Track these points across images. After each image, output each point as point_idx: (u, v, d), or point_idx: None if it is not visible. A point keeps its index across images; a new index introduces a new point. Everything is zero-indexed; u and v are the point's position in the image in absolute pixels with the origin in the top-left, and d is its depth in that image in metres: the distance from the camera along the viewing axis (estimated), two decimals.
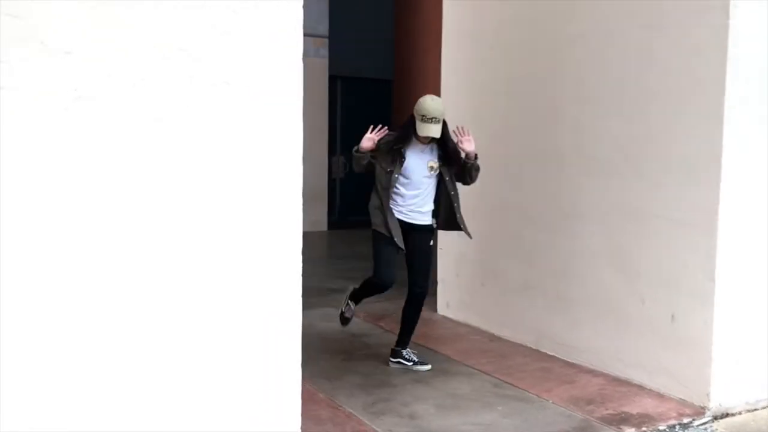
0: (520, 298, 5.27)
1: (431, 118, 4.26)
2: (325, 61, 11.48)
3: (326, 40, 11.43)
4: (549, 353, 4.99)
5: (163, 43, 2.50)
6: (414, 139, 4.39)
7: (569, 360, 4.83)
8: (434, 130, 4.27)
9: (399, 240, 4.36)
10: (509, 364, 4.79)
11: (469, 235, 4.60)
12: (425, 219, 4.53)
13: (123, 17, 2.44)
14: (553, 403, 4.10)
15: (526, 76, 5.18)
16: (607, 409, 4.00)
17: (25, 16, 2.31)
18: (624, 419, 3.87)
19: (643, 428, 3.77)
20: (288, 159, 2.78)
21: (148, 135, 2.51)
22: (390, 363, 4.66)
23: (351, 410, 3.91)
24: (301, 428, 2.92)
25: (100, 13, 2.41)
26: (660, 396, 4.21)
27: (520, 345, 5.21)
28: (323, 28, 11.38)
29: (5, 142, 2.29)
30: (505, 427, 3.76)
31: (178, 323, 2.62)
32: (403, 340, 4.71)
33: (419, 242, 4.51)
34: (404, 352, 4.67)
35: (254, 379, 2.78)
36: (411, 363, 4.63)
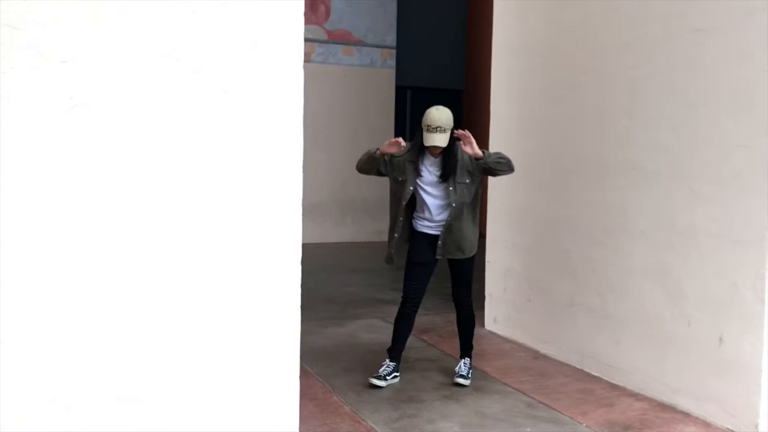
0: (565, 315, 5.07)
1: (436, 128, 4.14)
2: (392, 72, 11.48)
3: (393, 51, 11.43)
4: (593, 374, 4.77)
5: (158, 51, 2.51)
6: (426, 152, 4.29)
7: (613, 381, 4.60)
8: (438, 140, 4.14)
9: (390, 254, 4.48)
10: (548, 383, 4.60)
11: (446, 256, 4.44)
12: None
13: (119, 26, 2.46)
14: (586, 426, 3.90)
15: (573, 85, 4.99)
16: None
17: (23, 27, 2.36)
18: None
19: None
20: (288, 167, 2.73)
21: (144, 142, 2.52)
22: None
23: (372, 424, 3.83)
24: None
25: (96, 23, 2.43)
26: (706, 424, 3.94)
27: (564, 364, 5.00)
28: (391, 39, 11.39)
29: (4, 150, 2.35)
30: None
31: (179, 327, 2.60)
32: (462, 350, 4.68)
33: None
34: (459, 364, 4.61)
35: (252, 379, 2.74)
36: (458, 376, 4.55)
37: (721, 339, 3.91)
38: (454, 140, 4.24)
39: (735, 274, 3.82)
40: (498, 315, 5.81)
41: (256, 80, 2.66)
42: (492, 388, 4.48)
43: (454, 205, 4.27)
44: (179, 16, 2.53)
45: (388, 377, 4.47)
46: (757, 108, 3.69)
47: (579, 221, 4.93)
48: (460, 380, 4.49)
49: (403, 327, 4.58)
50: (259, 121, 2.67)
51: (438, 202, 4.36)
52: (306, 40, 10.92)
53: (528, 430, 3.84)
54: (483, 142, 4.61)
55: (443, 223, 4.35)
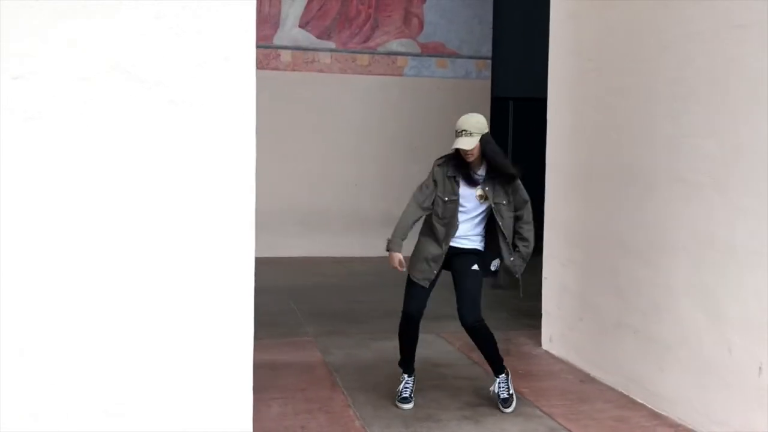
0: (612, 336, 4.74)
1: (461, 131, 4.02)
2: (488, 83, 11.28)
3: (489, 62, 11.23)
4: (637, 400, 4.41)
5: (109, 64, 2.59)
6: (463, 163, 4.12)
7: (656, 410, 4.24)
8: (462, 143, 3.99)
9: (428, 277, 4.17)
10: (583, 409, 4.30)
11: (505, 284, 4.25)
12: (471, 243, 4.21)
13: (70, 42, 2.56)
14: None
15: (621, 91, 4.68)
16: None
17: None
18: None
19: None
20: (240, 179, 2.72)
21: (95, 155, 2.61)
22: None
23: None
24: None
25: (47, 38, 2.55)
26: None
27: (611, 388, 4.66)
28: (486, 49, 11.20)
29: None
30: None
31: (131, 328, 2.67)
32: (493, 369, 4.34)
33: (459, 265, 4.18)
34: (495, 382, 4.30)
35: (206, 380, 2.77)
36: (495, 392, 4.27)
37: (760, 368, 3.51)
38: (492, 148, 4.10)
39: None
40: (553, 334, 5.52)
41: (206, 92, 2.68)
42: (520, 411, 4.25)
43: (499, 223, 4.11)
44: (130, 31, 2.60)
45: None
46: None
47: (626, 236, 4.60)
48: (504, 408, 4.22)
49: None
50: (210, 132, 2.69)
51: (468, 215, 4.17)
52: (398, 53, 11.04)
53: None
54: None
55: (470, 234, 4.20)
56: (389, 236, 4.17)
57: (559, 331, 5.44)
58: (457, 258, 4.19)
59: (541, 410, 4.27)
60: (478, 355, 5.42)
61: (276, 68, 10.36)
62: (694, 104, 3.99)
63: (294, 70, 10.44)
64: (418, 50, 10.90)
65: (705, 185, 3.89)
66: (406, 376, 4.37)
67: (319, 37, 10.49)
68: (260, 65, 10.25)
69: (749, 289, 3.58)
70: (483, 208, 4.17)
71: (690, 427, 3.97)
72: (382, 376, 4.89)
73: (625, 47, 4.64)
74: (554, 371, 5.11)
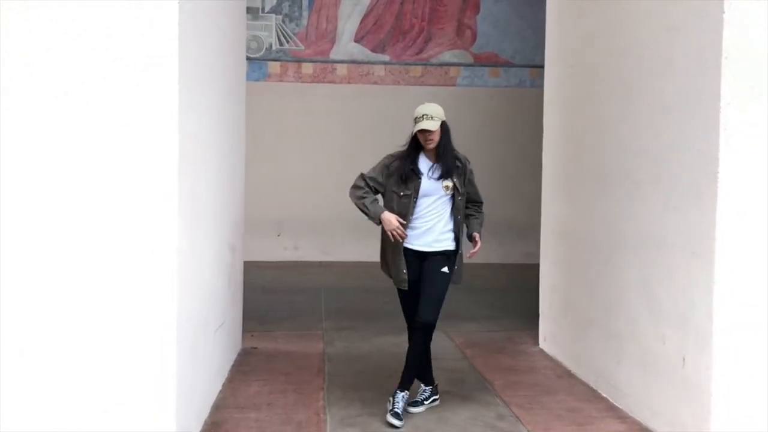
0: (585, 333, 4.87)
1: (423, 116, 3.98)
2: (542, 91, 11.32)
3: (542, 71, 11.28)
4: (602, 394, 4.54)
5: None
6: (423, 156, 4.10)
7: (615, 403, 4.35)
8: (427, 124, 3.95)
9: (403, 280, 4.10)
10: (544, 400, 4.46)
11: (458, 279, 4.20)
12: (442, 244, 4.11)
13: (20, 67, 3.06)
14: None
15: (590, 95, 4.83)
16: None
17: None
18: None
19: None
20: (161, 179, 3.10)
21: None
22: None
23: (329, 417, 4.08)
24: None
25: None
26: None
27: (582, 383, 4.79)
28: (540, 58, 11.20)
29: None
30: None
31: (60, 326, 3.08)
32: (402, 380, 4.14)
33: (426, 268, 4.10)
34: (394, 397, 4.09)
35: (131, 379, 3.11)
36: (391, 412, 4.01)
37: (684, 359, 3.61)
38: (448, 138, 4.10)
39: (693, 289, 3.52)
40: (547, 333, 5.67)
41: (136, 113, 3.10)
42: (479, 398, 4.48)
43: (458, 217, 4.11)
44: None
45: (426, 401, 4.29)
46: (704, 109, 3.41)
47: (596, 235, 4.74)
48: (411, 408, 4.18)
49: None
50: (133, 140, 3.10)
51: (431, 211, 4.09)
52: (451, 64, 11.31)
53: None
54: None
55: (438, 232, 4.10)
56: (368, 213, 4.10)
57: (550, 330, 5.58)
58: (426, 260, 4.12)
59: (501, 399, 4.47)
60: (472, 352, 5.67)
61: (332, 81, 10.87)
62: (639, 106, 4.12)
63: (349, 83, 10.93)
64: (471, 60, 11.15)
65: (645, 183, 4.01)
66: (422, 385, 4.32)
67: (373, 50, 10.94)
68: (317, 79, 10.84)
69: (678, 283, 3.68)
70: (446, 198, 4.10)
71: (637, 419, 4.08)
72: (369, 365, 5.21)
73: (593, 53, 4.80)
74: (537, 368, 5.26)
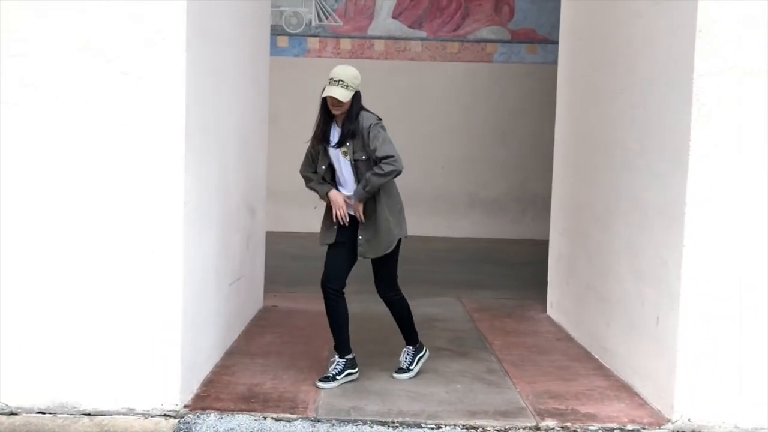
0: (584, 298, 5.07)
1: (338, 81, 3.88)
2: None
3: None
4: (594, 356, 4.75)
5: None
6: (334, 124, 4.04)
7: (605, 364, 4.56)
8: (335, 92, 3.85)
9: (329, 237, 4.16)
10: (537, 359, 4.69)
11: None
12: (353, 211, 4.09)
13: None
14: (518, 391, 4.04)
15: (596, 68, 5.00)
16: (560, 405, 3.84)
17: None
18: (562, 414, 3.70)
19: (568, 423, 3.59)
20: (169, 169, 3.45)
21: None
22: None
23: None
24: None
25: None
26: (642, 405, 3.85)
27: (579, 346, 5.00)
28: None
29: None
30: (431, 397, 3.92)
31: (72, 311, 3.46)
32: (405, 338, 4.38)
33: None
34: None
35: (137, 357, 3.47)
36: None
37: (658, 318, 3.81)
38: (358, 109, 4.02)
39: (667, 251, 3.71)
40: (554, 300, 5.88)
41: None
42: (474, 355, 4.74)
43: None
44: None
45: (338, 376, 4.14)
46: (684, 82, 3.58)
47: (595, 204, 4.93)
48: (396, 375, 4.24)
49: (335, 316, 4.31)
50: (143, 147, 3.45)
51: (343, 174, 4.09)
52: (488, 40, 11.43)
53: (458, 386, 4.12)
54: None
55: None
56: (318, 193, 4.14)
57: (556, 297, 5.79)
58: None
59: (495, 356, 4.72)
60: (479, 316, 5.91)
61: (370, 57, 11.12)
62: (635, 77, 4.28)
63: (387, 58, 11.16)
64: (508, 37, 11.24)
65: (635, 153, 4.19)
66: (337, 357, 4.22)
67: (411, 26, 11.13)
68: (354, 55, 11.11)
69: (656, 246, 3.87)
70: (350, 165, 4.05)
71: (621, 377, 4.29)
72: (383, 324, 5.48)
73: (596, 26, 4.96)
74: (539, 331, 5.48)
